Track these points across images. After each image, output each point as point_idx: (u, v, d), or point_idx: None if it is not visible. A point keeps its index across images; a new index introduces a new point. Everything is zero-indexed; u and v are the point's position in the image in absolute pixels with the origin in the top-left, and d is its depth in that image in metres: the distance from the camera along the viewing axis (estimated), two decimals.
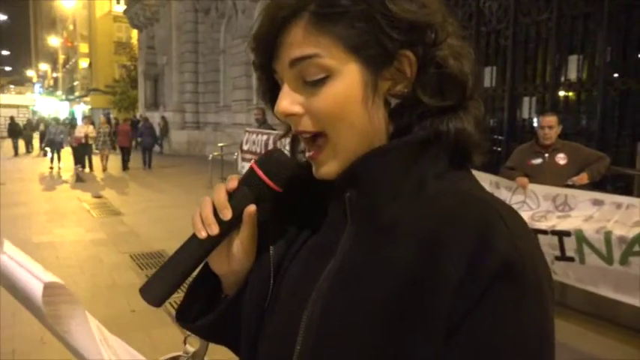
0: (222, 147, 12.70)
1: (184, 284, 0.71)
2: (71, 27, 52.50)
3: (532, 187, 4.16)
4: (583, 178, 4.17)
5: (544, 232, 3.85)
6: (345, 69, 0.59)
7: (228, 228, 0.68)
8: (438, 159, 0.62)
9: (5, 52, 58.94)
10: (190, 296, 0.77)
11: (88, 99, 43.68)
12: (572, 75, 6.36)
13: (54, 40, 61.60)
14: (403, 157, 0.61)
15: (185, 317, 0.76)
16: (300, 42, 0.59)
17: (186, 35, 21.21)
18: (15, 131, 24.70)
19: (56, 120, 21.42)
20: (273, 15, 0.61)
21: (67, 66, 58.29)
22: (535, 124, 6.34)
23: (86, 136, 15.27)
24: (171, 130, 21.83)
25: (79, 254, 6.41)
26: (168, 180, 13.17)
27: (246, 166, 5.67)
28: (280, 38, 0.61)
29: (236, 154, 9.87)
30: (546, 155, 4.42)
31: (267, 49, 0.63)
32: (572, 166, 4.29)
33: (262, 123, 9.72)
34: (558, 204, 3.98)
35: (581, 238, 3.66)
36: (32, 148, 24.11)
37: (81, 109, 42.85)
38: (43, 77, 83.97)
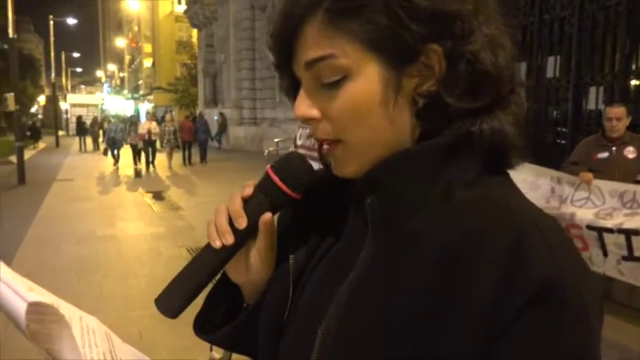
0: (278, 142, 12.86)
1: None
2: (136, 28, 54.71)
3: (597, 182, 3.92)
4: None
5: (610, 230, 3.62)
6: (363, 68, 0.54)
7: (244, 237, 0.64)
8: (469, 164, 0.56)
9: (76, 54, 62.24)
10: (209, 306, 0.74)
11: (151, 97, 45.43)
12: None
13: (120, 42, 64.44)
14: (428, 162, 0.55)
15: (204, 328, 0.73)
16: (315, 42, 0.55)
17: (243, 32, 21.60)
18: (82, 129, 26.13)
19: (116, 117, 20.77)
20: (287, 13, 0.57)
21: (133, 66, 60.85)
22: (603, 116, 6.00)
23: (149, 133, 15.24)
24: (230, 126, 22.33)
25: (139, 247, 6.65)
26: (226, 175, 13.45)
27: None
28: (296, 37, 0.57)
29: (291, 148, 9.94)
30: (613, 149, 4.15)
31: (283, 49, 0.59)
32: None
33: None
34: (626, 201, 3.73)
35: None
36: (99, 146, 25.38)
37: (145, 107, 44.60)
38: (110, 77, 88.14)
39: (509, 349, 0.46)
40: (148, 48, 48.73)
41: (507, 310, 0.46)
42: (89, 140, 25.35)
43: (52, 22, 31.89)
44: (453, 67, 0.54)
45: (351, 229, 0.62)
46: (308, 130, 8.88)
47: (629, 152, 4.09)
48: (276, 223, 0.71)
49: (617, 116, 4.14)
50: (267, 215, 0.64)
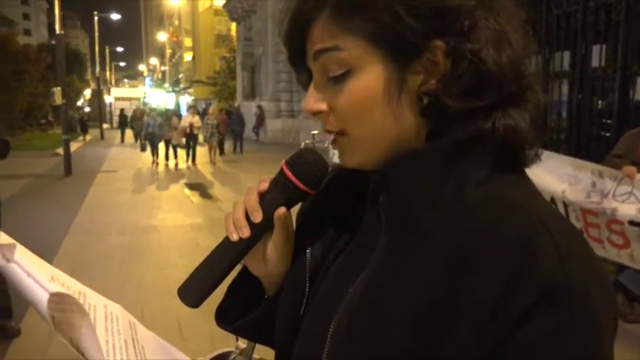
0: (314, 135, 12.86)
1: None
2: (176, 22, 55.64)
3: None
4: None
5: None
6: (367, 64, 0.55)
7: (261, 230, 0.66)
8: (481, 162, 0.55)
9: (120, 49, 63.98)
10: (230, 297, 0.76)
11: (191, 90, 46.19)
12: None
13: (162, 36, 65.68)
14: (440, 161, 0.55)
15: (225, 318, 0.75)
16: (321, 36, 0.57)
17: None
18: (123, 122, 26.94)
19: (154, 110, 18.69)
20: (296, 12, 0.60)
21: (173, 60, 61.96)
22: None
23: (191, 126, 14.75)
24: (267, 119, 22.49)
25: (179, 238, 6.79)
26: (263, 167, 13.58)
27: (337, 153, 5.55)
28: (306, 35, 0.59)
29: (327, 141, 9.94)
30: None
31: (295, 46, 0.62)
32: None
33: None
34: None
35: None
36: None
37: (185, 100, 45.37)
38: (152, 71, 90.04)
39: (514, 351, 0.46)
40: (188, 42, 49.54)
41: (512, 311, 0.46)
42: (130, 133, 26.00)
43: (96, 18, 32.79)
44: (455, 64, 0.54)
45: (366, 226, 0.63)
46: None
47: None
48: (294, 217, 0.72)
49: None
50: (282, 210, 0.65)
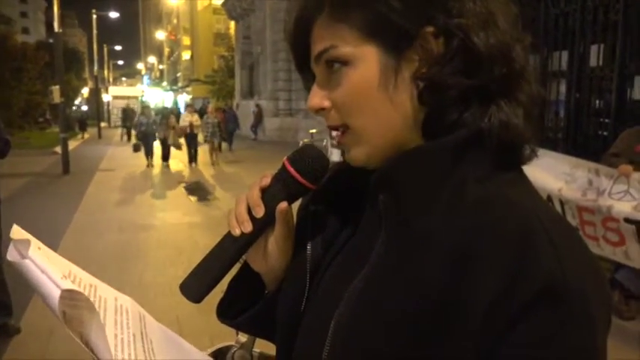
0: (312, 133, 12.87)
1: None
2: (175, 21, 55.54)
3: (637, 175, 3.79)
4: None
5: None
6: (363, 56, 0.57)
7: (263, 225, 0.67)
8: (480, 160, 0.56)
9: (118, 47, 63.73)
10: (231, 293, 0.77)
11: (189, 89, 46.11)
12: None
13: (160, 34, 65.55)
14: (440, 161, 0.55)
15: (226, 313, 0.76)
16: (320, 36, 0.60)
17: (280, 24, 21.57)
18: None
19: (147, 108, 15.91)
20: (298, 16, 0.62)
21: (172, 58, 61.83)
22: None
23: (191, 126, 14.00)
24: (265, 117, 22.47)
25: (177, 236, 6.80)
26: (261, 166, 13.52)
27: (335, 152, 5.69)
28: (310, 38, 0.61)
29: (325, 140, 9.95)
30: None
31: (300, 50, 0.64)
32: None
33: None
34: None
35: None
36: (130, 138, 25.48)
37: (183, 99, 45.28)
38: (150, 69, 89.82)
39: (511, 349, 0.47)
40: (186, 40, 49.44)
41: (510, 309, 0.47)
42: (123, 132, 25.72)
43: (95, 16, 32.69)
44: (447, 46, 0.55)
45: (366, 224, 0.63)
46: None
47: None
48: (295, 213, 0.73)
49: None
50: (283, 204, 0.66)
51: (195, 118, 14.60)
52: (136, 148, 14.92)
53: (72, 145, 18.04)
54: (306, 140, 12.42)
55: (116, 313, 0.62)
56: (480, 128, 0.55)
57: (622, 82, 6.40)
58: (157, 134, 14.20)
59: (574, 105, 6.85)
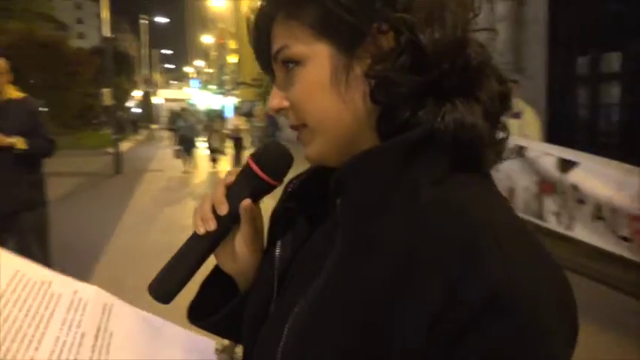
0: None
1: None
2: (221, 25, 56.58)
3: None
4: None
5: None
6: (314, 54, 0.58)
7: (228, 223, 0.67)
8: (435, 162, 0.53)
9: (167, 52, 65.64)
10: (203, 294, 0.76)
11: (236, 92, 46.82)
12: None
13: (207, 38, 66.94)
14: (393, 163, 0.54)
15: (197, 315, 0.75)
16: (276, 37, 0.61)
17: None
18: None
19: (187, 111, 15.61)
20: (258, 17, 0.63)
21: (219, 62, 63.02)
22: None
23: (237, 129, 13.51)
24: None
25: None
26: (303, 166, 13.60)
27: None
28: (269, 39, 0.62)
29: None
30: None
31: (264, 52, 0.64)
32: None
33: None
34: None
35: None
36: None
37: (231, 102, 46.04)
38: (198, 73, 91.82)
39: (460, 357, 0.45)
40: (232, 44, 50.28)
41: (457, 317, 0.44)
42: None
43: (144, 22, 33.72)
44: (396, 43, 0.54)
45: (326, 229, 0.62)
46: None
47: None
48: (266, 214, 0.72)
49: None
50: (246, 201, 0.66)
51: (242, 121, 14.33)
52: (178, 155, 14.16)
53: (124, 146, 18.58)
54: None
55: (68, 311, 0.60)
56: (433, 128, 0.53)
57: None
58: (195, 139, 13.82)
59: (628, 109, 6.57)
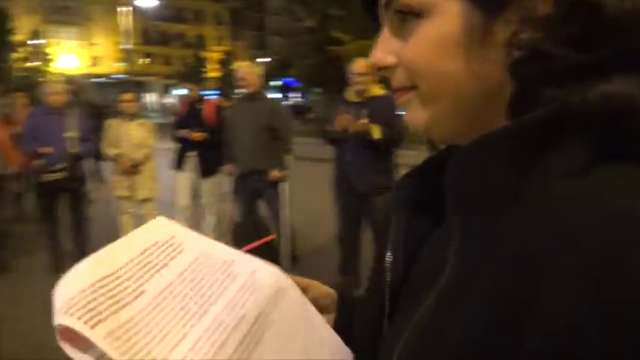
0: None
1: None
2: None
3: None
4: None
5: None
6: (444, 7, 0.48)
7: None
8: (573, 148, 0.43)
9: None
10: None
11: None
12: None
13: None
14: (517, 150, 0.44)
15: None
16: None
17: None
18: None
19: None
20: None
21: None
22: None
23: None
24: None
25: None
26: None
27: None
28: None
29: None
30: None
31: None
32: None
33: None
34: None
35: None
36: None
37: None
38: None
39: None
40: None
41: (590, 337, 0.36)
42: None
43: None
44: (560, 6, 0.44)
45: (441, 234, 0.55)
46: None
47: None
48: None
49: None
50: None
51: None
52: None
53: None
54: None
55: (239, 291, 0.58)
56: (572, 102, 0.42)
57: None
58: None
59: None
